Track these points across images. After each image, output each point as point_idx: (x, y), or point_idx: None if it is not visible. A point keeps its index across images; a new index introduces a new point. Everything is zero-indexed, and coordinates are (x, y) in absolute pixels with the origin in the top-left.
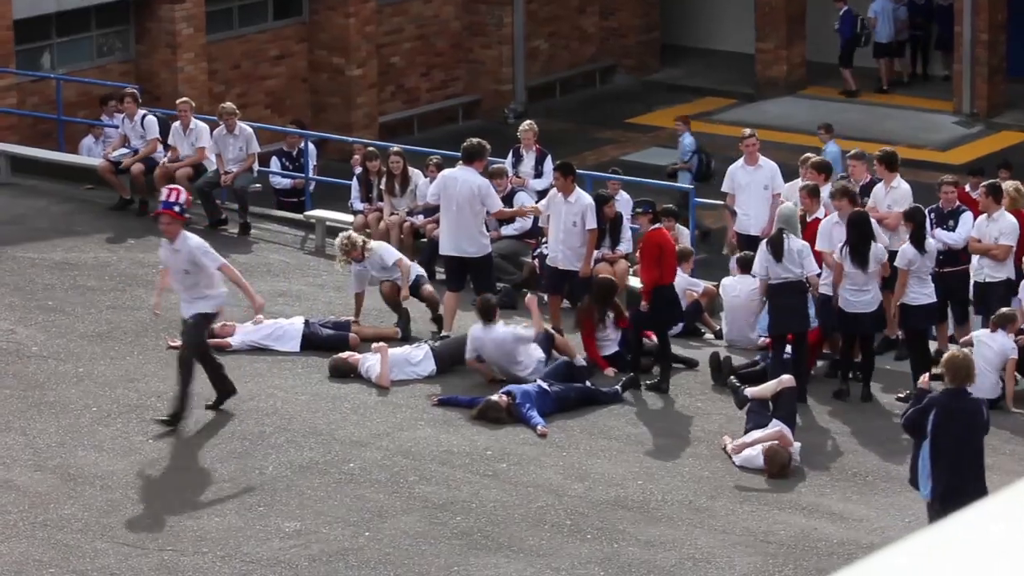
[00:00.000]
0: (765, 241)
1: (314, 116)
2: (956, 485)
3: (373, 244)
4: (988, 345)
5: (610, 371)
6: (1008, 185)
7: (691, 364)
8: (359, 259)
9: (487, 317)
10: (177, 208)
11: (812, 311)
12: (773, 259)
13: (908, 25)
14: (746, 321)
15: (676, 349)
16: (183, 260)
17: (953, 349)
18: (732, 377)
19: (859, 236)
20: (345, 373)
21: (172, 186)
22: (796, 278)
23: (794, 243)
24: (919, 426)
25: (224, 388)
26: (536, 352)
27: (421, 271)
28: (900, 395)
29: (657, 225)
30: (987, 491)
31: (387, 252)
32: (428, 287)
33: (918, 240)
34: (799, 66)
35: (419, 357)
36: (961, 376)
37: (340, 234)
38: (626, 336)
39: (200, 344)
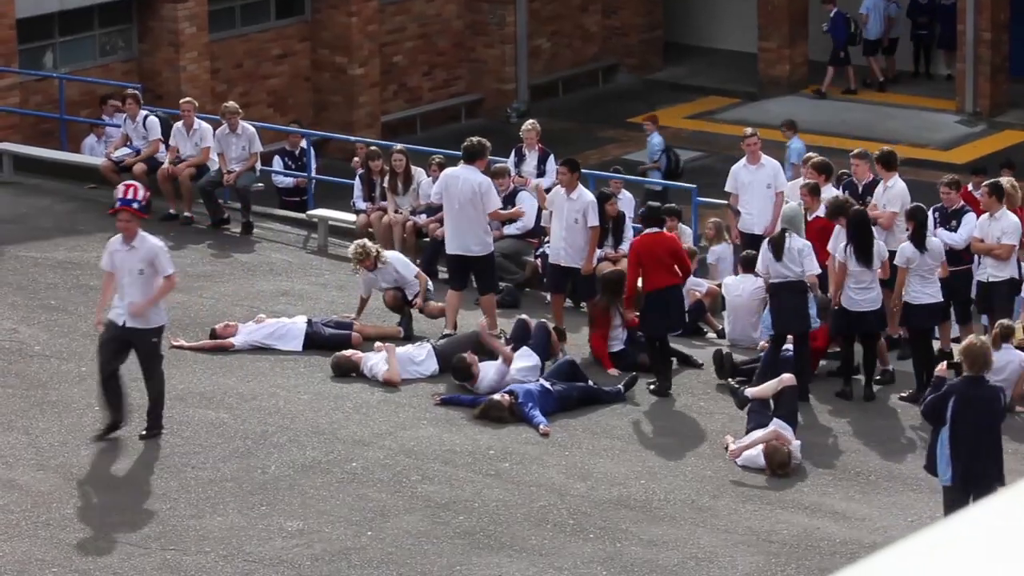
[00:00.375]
0: (767, 240)
1: (316, 115)
2: (975, 471)
3: (388, 256)
4: (1004, 367)
5: (613, 371)
6: (1004, 181)
7: (695, 364)
8: (371, 268)
9: (464, 378)
10: (136, 205)
11: (813, 311)
12: (773, 258)
13: (906, 23)
14: (748, 320)
15: (681, 348)
16: (139, 259)
17: (971, 337)
18: (731, 379)
19: (862, 234)
20: (347, 371)
21: (130, 182)
22: (796, 278)
23: (795, 242)
24: (938, 413)
25: (117, 417)
26: (523, 361)
27: (431, 286)
28: (903, 394)
29: (652, 229)
30: (1004, 476)
31: (404, 266)
32: (433, 303)
33: (918, 239)
34: (801, 65)
35: (422, 356)
36: (979, 364)
37: (355, 242)
38: (632, 335)
39: (159, 363)
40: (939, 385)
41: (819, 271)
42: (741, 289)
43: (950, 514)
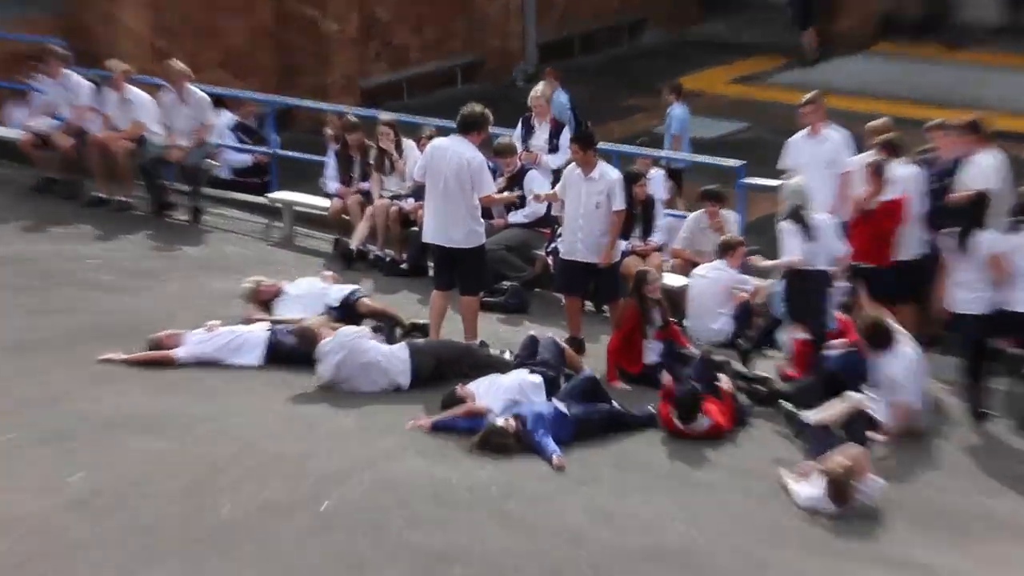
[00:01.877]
0: (786, 219)
1: (283, 79)
2: None
3: (294, 284)
4: None
5: (618, 383)
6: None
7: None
8: (272, 297)
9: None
10: None
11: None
12: (807, 238)
13: None
14: None
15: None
16: None
17: None
18: (784, 400)
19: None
20: (308, 343)
21: None
22: (826, 264)
23: (818, 218)
24: None
25: None
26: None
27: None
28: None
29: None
30: None
31: (311, 283)
32: (367, 301)
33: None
34: (871, 16)
35: (395, 349)
36: None
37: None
38: (671, 348)
39: None
40: None
41: (846, 250)
42: None
43: None
